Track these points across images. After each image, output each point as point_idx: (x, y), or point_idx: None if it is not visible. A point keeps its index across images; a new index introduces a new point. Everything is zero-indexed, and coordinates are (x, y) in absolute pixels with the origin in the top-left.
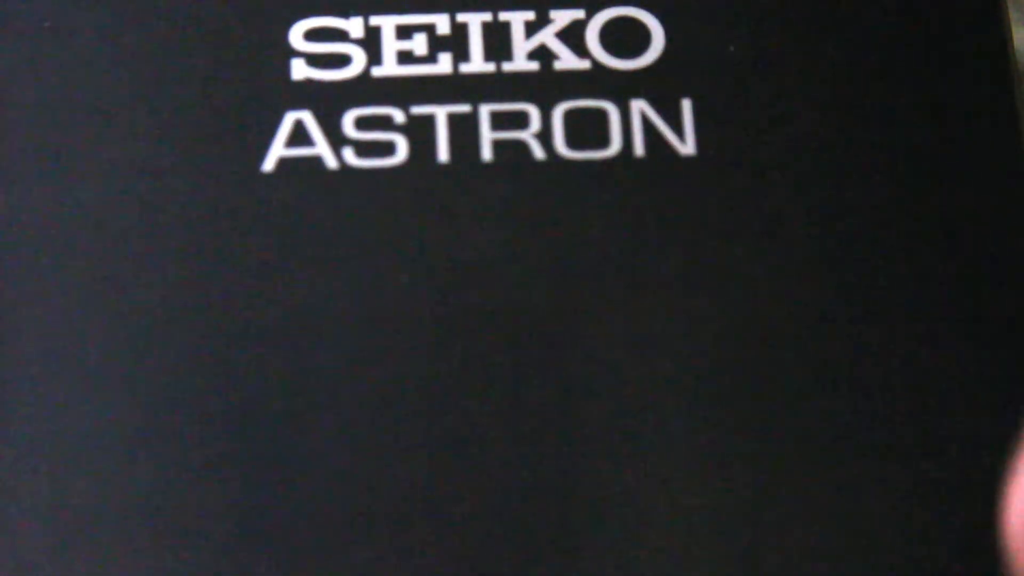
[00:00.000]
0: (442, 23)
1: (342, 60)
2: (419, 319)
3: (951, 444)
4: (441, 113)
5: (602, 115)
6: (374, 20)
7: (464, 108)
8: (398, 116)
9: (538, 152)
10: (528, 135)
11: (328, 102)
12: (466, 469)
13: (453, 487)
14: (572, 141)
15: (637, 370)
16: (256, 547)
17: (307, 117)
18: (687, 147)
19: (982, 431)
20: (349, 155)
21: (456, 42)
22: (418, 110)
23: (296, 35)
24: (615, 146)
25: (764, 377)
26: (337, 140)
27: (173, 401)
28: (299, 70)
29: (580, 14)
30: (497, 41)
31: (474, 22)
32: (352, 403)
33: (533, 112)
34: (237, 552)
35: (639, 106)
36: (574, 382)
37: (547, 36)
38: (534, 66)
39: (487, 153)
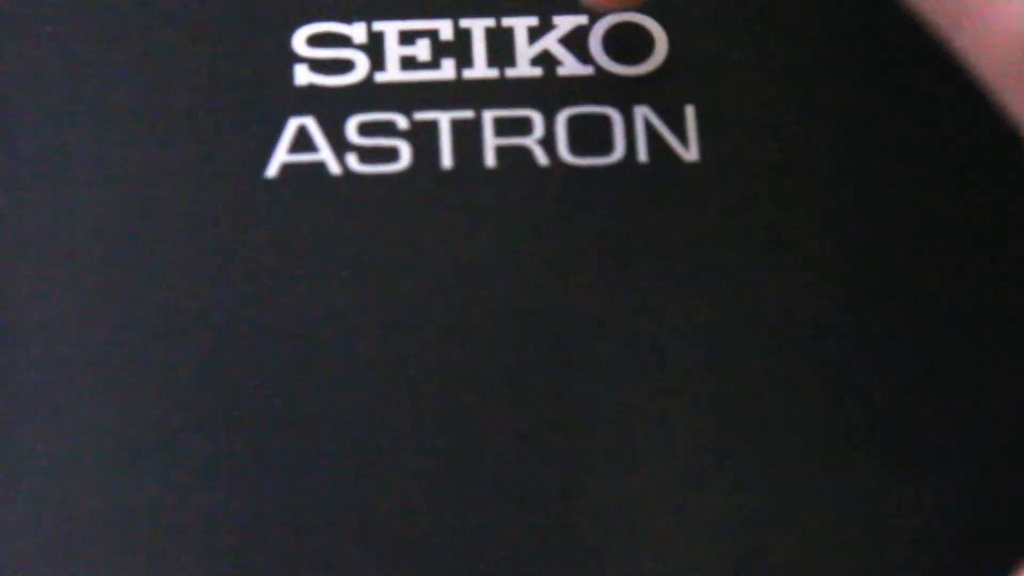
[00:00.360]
0: (445, 29)
1: (345, 66)
2: (422, 324)
3: (953, 447)
4: (444, 119)
5: (605, 121)
6: (377, 26)
7: (467, 114)
8: (401, 122)
9: (541, 158)
10: (531, 141)
11: (331, 108)
12: (468, 473)
13: (454, 491)
14: (575, 147)
15: (641, 374)
16: (257, 550)
17: (310, 123)
18: (690, 153)
19: (985, 434)
20: (352, 161)
21: (459, 48)
22: (421, 116)
23: (299, 40)
24: (618, 152)
25: (768, 381)
26: (340, 146)
27: (176, 406)
28: (302, 75)
29: (583, 20)
30: (500, 47)
31: (477, 28)
32: (355, 408)
33: (536, 118)
34: (238, 555)
35: (642, 112)
36: (578, 387)
37: (550, 42)
38: (537, 72)
39: (490, 159)
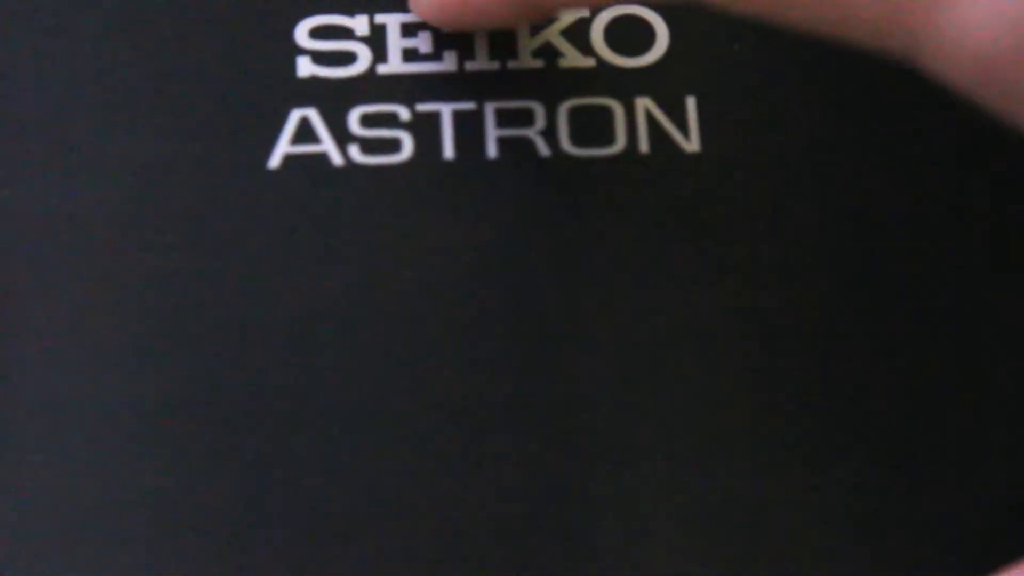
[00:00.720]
0: None
1: (348, 58)
2: (424, 316)
3: (955, 444)
4: (446, 110)
5: (607, 112)
6: (379, 18)
7: (469, 105)
8: (403, 113)
9: (543, 149)
10: (533, 132)
11: (334, 99)
12: (470, 465)
13: (456, 483)
14: (577, 138)
15: (642, 366)
16: (261, 544)
17: (313, 114)
18: (692, 144)
19: (985, 429)
20: (355, 152)
21: (461, 40)
22: (423, 107)
23: (302, 33)
24: (620, 143)
25: (768, 373)
26: (343, 137)
27: (178, 398)
28: (304, 67)
29: (585, 12)
30: (502, 39)
31: None
32: (357, 399)
33: (538, 109)
34: (241, 549)
35: (643, 103)
36: (579, 378)
37: (552, 34)
38: (539, 64)
39: (492, 150)
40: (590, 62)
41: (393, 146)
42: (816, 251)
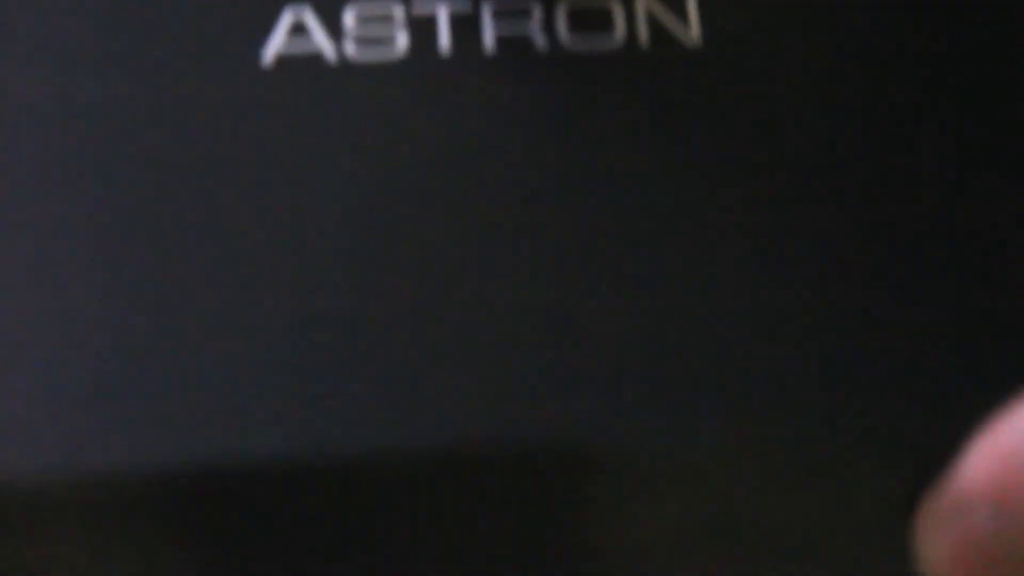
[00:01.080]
0: None
1: None
2: (421, 212)
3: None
4: (443, 8)
5: (606, 8)
6: None
7: (466, 5)
8: (399, 12)
9: (542, 45)
10: (531, 28)
11: (328, 1)
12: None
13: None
14: (576, 34)
15: (637, 258)
16: (260, 401)
17: (307, 13)
18: (693, 39)
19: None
20: (350, 50)
21: None
22: (419, 5)
23: None
24: (619, 38)
25: (766, 258)
26: (337, 35)
27: (169, 287)
28: None
29: None
30: None
31: None
32: (351, 296)
33: (536, 7)
34: (235, 406)
35: (644, 0)
36: (576, 272)
37: None
38: None
39: (489, 46)
40: None
41: (389, 44)
42: (817, 143)
